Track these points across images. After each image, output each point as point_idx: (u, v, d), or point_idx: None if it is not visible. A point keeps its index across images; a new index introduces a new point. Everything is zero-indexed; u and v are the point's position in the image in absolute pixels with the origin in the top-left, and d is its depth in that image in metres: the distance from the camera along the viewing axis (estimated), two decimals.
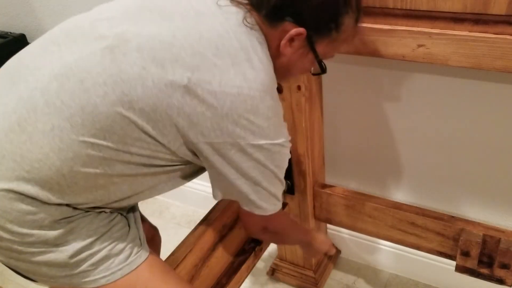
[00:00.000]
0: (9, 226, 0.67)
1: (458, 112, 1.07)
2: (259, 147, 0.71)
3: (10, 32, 1.68)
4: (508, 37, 0.79)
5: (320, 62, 0.77)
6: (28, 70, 0.68)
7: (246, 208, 0.79)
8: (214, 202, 1.08)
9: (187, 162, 0.75)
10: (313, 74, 0.83)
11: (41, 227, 0.68)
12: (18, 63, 0.71)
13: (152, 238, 1.12)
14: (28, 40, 1.68)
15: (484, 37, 0.81)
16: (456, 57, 0.85)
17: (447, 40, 0.84)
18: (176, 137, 0.68)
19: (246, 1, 0.74)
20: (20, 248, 0.69)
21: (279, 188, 0.80)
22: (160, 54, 0.65)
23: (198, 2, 0.72)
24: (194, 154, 0.72)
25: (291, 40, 0.72)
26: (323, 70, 0.78)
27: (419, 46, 0.87)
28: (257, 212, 0.79)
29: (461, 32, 0.83)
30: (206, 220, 1.02)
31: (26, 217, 0.67)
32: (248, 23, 0.71)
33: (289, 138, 0.77)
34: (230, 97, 0.66)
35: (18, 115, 0.64)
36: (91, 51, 0.65)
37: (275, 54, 0.74)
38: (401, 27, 0.87)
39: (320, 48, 0.75)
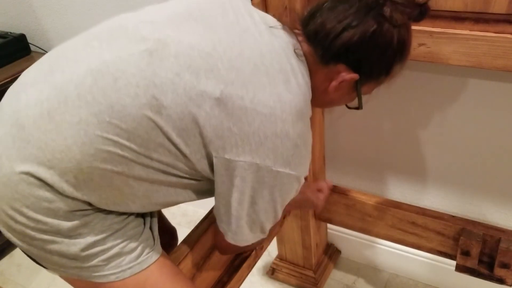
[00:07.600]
0: (25, 210, 0.67)
1: (458, 111, 1.07)
2: (276, 173, 0.68)
3: (10, 32, 1.68)
4: (508, 36, 0.79)
5: (360, 101, 0.77)
6: (67, 61, 0.68)
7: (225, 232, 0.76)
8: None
9: (204, 178, 0.73)
10: (349, 108, 0.83)
11: (55, 216, 0.68)
12: (59, 53, 0.71)
13: (169, 239, 1.11)
14: (28, 40, 1.68)
15: (484, 36, 0.81)
16: (457, 56, 0.85)
17: (448, 39, 0.84)
18: (198, 148, 0.67)
19: (299, 31, 0.74)
20: (32, 233, 0.69)
21: (270, 220, 0.76)
22: (197, 63, 0.65)
23: (246, 19, 0.72)
24: (212, 171, 0.70)
25: (341, 81, 0.72)
26: (361, 107, 0.78)
27: (420, 45, 0.87)
28: (228, 238, 0.77)
29: (462, 31, 0.83)
30: (206, 220, 1.02)
31: (42, 203, 0.67)
32: (295, 51, 0.71)
33: (307, 175, 0.75)
34: (261, 116, 0.65)
35: (49, 104, 0.65)
36: (130, 52, 0.66)
37: (318, 87, 0.74)
38: None
39: (365, 88, 0.76)
